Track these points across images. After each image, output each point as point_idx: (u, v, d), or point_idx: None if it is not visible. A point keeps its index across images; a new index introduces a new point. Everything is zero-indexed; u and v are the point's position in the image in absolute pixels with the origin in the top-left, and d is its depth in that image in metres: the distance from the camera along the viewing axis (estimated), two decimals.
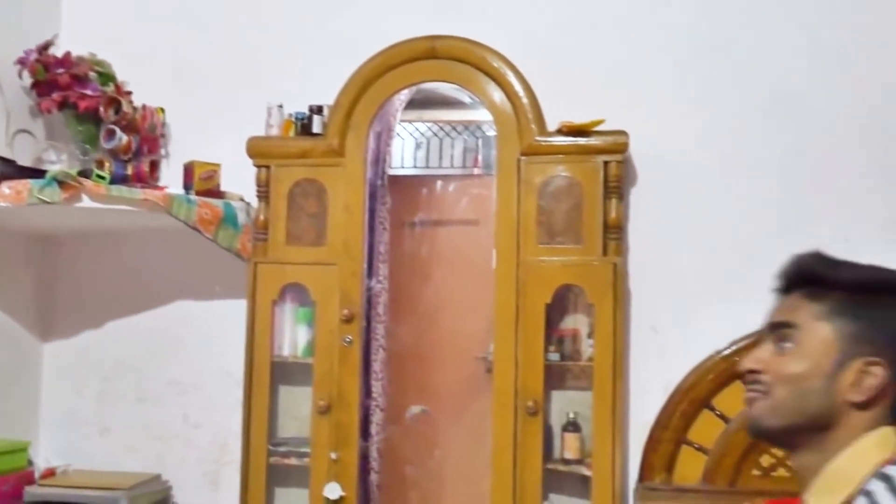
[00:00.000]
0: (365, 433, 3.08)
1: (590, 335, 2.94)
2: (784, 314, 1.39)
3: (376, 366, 3.15)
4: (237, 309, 3.11)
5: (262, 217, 3.06)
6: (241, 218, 3.09)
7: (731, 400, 2.81)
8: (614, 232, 2.88)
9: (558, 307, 2.98)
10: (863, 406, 1.31)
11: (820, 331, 1.34)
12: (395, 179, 3.29)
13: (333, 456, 2.93)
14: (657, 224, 3.05)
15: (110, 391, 3.38)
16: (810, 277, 1.38)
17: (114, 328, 3.40)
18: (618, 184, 2.88)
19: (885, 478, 1.23)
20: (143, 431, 3.34)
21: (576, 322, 3.03)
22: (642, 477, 2.89)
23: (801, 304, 1.37)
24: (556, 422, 2.98)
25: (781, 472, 2.78)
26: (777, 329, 1.38)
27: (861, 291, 1.34)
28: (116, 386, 3.38)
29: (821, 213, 2.96)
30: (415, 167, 3.47)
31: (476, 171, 3.44)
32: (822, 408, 1.32)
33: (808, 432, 1.33)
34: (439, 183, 3.45)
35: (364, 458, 3.07)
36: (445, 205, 3.44)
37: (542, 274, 2.88)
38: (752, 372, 1.38)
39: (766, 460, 2.81)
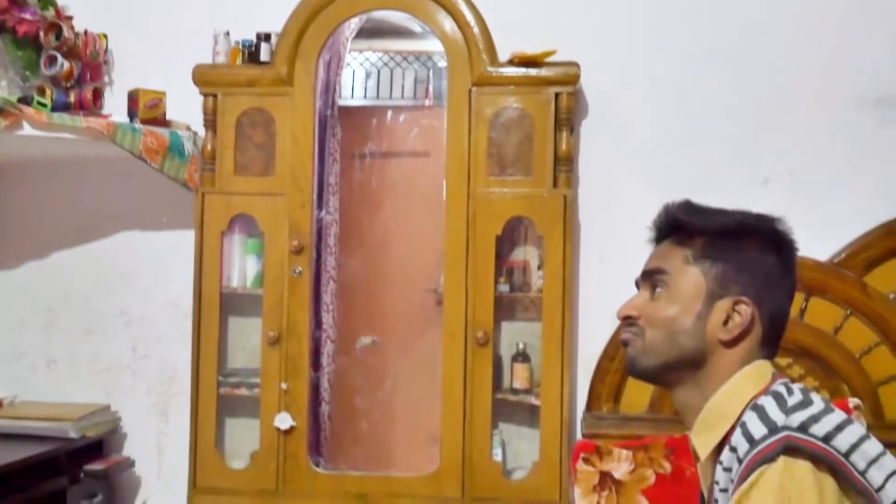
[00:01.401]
0: (315, 364, 3.08)
1: (539, 267, 2.96)
2: (655, 261, 1.45)
3: (326, 297, 3.14)
4: (185, 240, 3.08)
5: (209, 147, 3.01)
6: (188, 147, 3.04)
7: None
8: (564, 164, 2.88)
9: (508, 239, 3.00)
10: (732, 343, 1.37)
11: (688, 275, 1.40)
12: (345, 110, 3.25)
13: (283, 386, 2.94)
14: (607, 156, 3.07)
15: (56, 323, 3.34)
16: (677, 225, 1.44)
17: (59, 259, 3.35)
18: (568, 116, 2.88)
19: (757, 408, 1.29)
20: (91, 363, 3.32)
21: (525, 254, 3.05)
22: (590, 406, 2.95)
23: (671, 251, 1.43)
24: (506, 352, 3.01)
25: None
26: (650, 276, 1.44)
27: (723, 235, 1.40)
28: (62, 317, 3.34)
29: (768, 147, 2.99)
30: (365, 98, 3.42)
31: (427, 102, 3.41)
32: (694, 348, 1.37)
33: (683, 370, 1.39)
34: (389, 114, 3.41)
35: (314, 388, 3.08)
36: (396, 136, 3.41)
37: (493, 206, 2.88)
38: (627, 318, 1.44)
39: None
